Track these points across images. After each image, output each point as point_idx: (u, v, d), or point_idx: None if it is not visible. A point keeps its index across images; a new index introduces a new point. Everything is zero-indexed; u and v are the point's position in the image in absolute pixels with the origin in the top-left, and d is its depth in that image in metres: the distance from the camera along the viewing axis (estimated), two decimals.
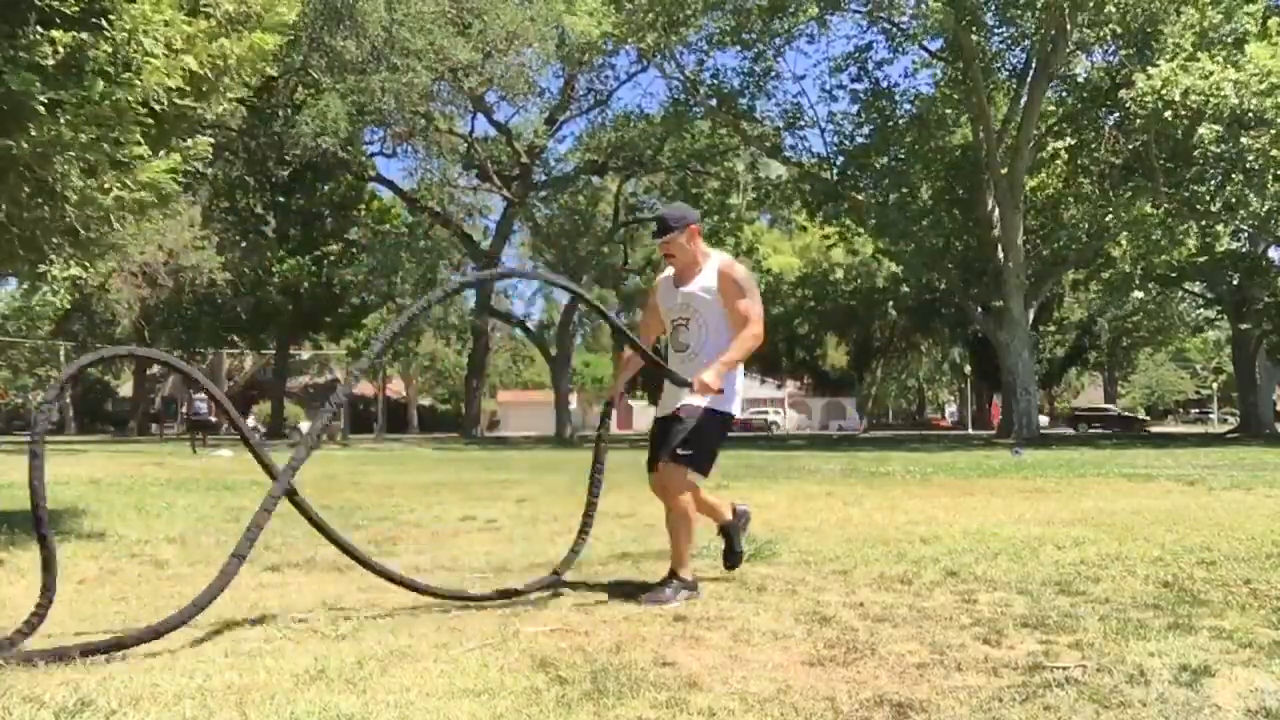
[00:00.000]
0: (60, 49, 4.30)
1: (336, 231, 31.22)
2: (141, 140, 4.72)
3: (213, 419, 25.09)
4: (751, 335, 3.61)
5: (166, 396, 46.81)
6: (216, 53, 4.97)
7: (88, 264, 6.05)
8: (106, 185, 4.74)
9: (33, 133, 4.32)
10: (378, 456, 17.97)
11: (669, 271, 3.86)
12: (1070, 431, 37.21)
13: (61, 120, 4.34)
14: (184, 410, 22.60)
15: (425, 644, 2.89)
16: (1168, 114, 20.08)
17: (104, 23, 4.43)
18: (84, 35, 4.37)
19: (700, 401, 3.58)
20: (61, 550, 4.90)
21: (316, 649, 2.82)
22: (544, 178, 32.38)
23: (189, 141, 5.38)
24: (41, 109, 4.27)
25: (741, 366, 3.73)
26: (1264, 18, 21.27)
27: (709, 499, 3.92)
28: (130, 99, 4.46)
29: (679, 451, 3.56)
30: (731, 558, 4.06)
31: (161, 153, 5.05)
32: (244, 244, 29.11)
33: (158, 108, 4.69)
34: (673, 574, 3.65)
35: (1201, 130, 20.02)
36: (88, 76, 4.38)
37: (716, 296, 3.66)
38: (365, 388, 48.16)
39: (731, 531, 4.02)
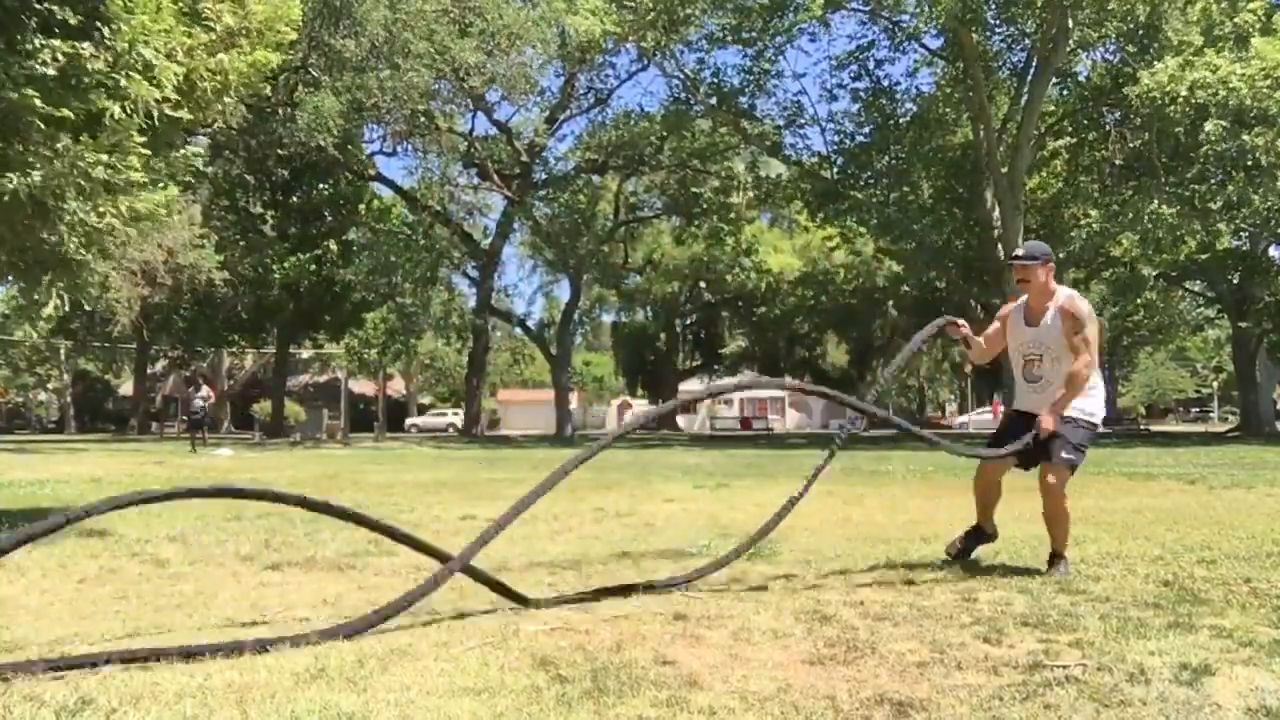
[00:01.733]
0: (60, 57, 4.28)
1: (336, 230, 31.21)
2: (138, 167, 4.71)
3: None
4: (1076, 373, 4.08)
5: (167, 395, 46.81)
6: (216, 68, 4.96)
7: (72, 291, 6.04)
8: (101, 209, 4.74)
9: (34, 164, 4.30)
10: (378, 455, 17.97)
11: (1020, 303, 4.34)
12: None
13: (64, 143, 4.33)
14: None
15: (425, 643, 2.89)
16: (1172, 109, 20.05)
17: (105, 31, 4.42)
18: (84, 46, 4.36)
19: (1084, 416, 4.14)
20: (61, 549, 4.91)
21: (317, 648, 2.82)
22: (544, 176, 32.37)
23: (182, 151, 5.37)
24: (41, 124, 4.26)
25: (1097, 374, 4.22)
26: (1267, 14, 21.23)
27: (993, 505, 4.46)
28: (128, 110, 4.44)
29: (1064, 455, 4.06)
30: (960, 550, 4.45)
31: (161, 169, 5.04)
32: (244, 243, 29.08)
33: (151, 120, 4.66)
34: (1056, 555, 4.14)
35: (1208, 127, 19.99)
36: (89, 89, 4.37)
37: (1060, 331, 4.13)
38: (366, 386, 48.17)
39: (977, 536, 4.47)
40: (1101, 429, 4.49)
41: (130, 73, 4.47)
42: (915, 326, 46.01)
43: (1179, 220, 22.02)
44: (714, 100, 27.56)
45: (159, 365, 45.78)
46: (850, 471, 11.37)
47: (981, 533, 4.48)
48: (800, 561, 4.45)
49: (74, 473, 11.24)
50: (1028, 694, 2.35)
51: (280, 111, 24.49)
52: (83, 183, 4.48)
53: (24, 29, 4.25)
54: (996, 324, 4.46)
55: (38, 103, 4.19)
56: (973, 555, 4.48)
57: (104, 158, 4.47)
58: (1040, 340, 4.21)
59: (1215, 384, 59.85)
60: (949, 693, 2.37)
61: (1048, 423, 4.05)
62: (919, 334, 4.62)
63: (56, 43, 4.27)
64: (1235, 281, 28.97)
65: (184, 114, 4.89)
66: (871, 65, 27.30)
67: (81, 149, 4.38)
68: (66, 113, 4.30)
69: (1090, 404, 4.17)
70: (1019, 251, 4.29)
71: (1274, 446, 17.95)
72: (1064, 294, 4.21)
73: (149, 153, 4.70)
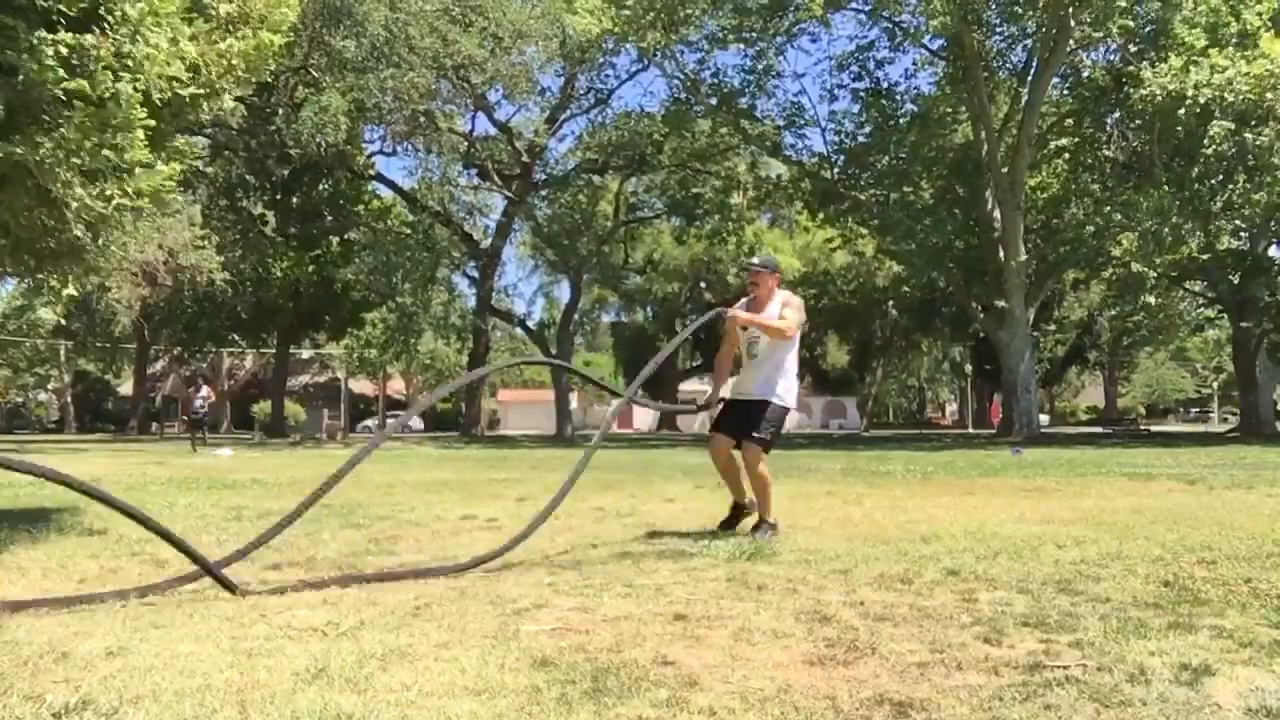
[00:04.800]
0: (63, 48, 4.27)
1: (336, 230, 31.24)
2: (145, 143, 4.69)
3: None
4: (778, 323, 5.16)
5: (167, 395, 46.82)
6: (221, 51, 4.95)
7: (82, 278, 6.03)
8: (108, 193, 4.71)
9: (42, 141, 4.28)
10: (378, 455, 17.96)
11: (744, 301, 5.36)
12: None
13: (72, 122, 4.30)
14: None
15: (425, 643, 2.89)
16: (1180, 111, 20.04)
17: (109, 19, 4.40)
18: (86, 37, 4.34)
19: (776, 401, 5.19)
20: (62, 549, 4.91)
21: (317, 648, 2.82)
22: (544, 176, 32.38)
23: (182, 140, 5.35)
24: (59, 99, 4.23)
25: (794, 378, 5.37)
26: (1271, 16, 21.19)
27: (739, 476, 5.30)
28: (133, 90, 4.42)
29: (755, 435, 5.10)
30: (727, 526, 5.40)
31: (160, 159, 5.02)
32: (244, 243, 29.11)
33: (158, 100, 4.65)
34: (762, 520, 5.18)
35: (1211, 129, 19.98)
36: (94, 68, 4.35)
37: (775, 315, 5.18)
38: (366, 387, 48.21)
39: (739, 514, 5.40)
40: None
41: (146, 51, 4.46)
42: (916, 326, 45.82)
43: (1180, 219, 22.02)
44: (714, 100, 27.56)
45: (159, 365, 45.80)
46: (850, 472, 11.38)
47: (740, 508, 5.37)
48: (800, 561, 4.45)
49: (74, 472, 11.21)
50: (1028, 694, 2.35)
51: (281, 111, 24.52)
52: (87, 164, 4.45)
53: (32, 25, 4.23)
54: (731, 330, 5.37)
55: (55, 75, 4.16)
56: (738, 528, 5.32)
57: (108, 137, 4.44)
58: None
59: (1215, 384, 59.87)
60: (949, 693, 2.37)
61: (736, 312, 5.20)
62: (689, 327, 5.96)
63: (60, 35, 4.25)
64: (1236, 282, 28.96)
65: (193, 89, 4.87)
66: (872, 65, 27.31)
67: (87, 128, 4.35)
68: (83, 83, 4.26)
69: (788, 387, 5.24)
70: (755, 261, 5.47)
71: (1274, 447, 17.95)
72: (784, 293, 5.33)
73: (154, 123, 4.66)
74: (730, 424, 5.30)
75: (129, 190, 4.78)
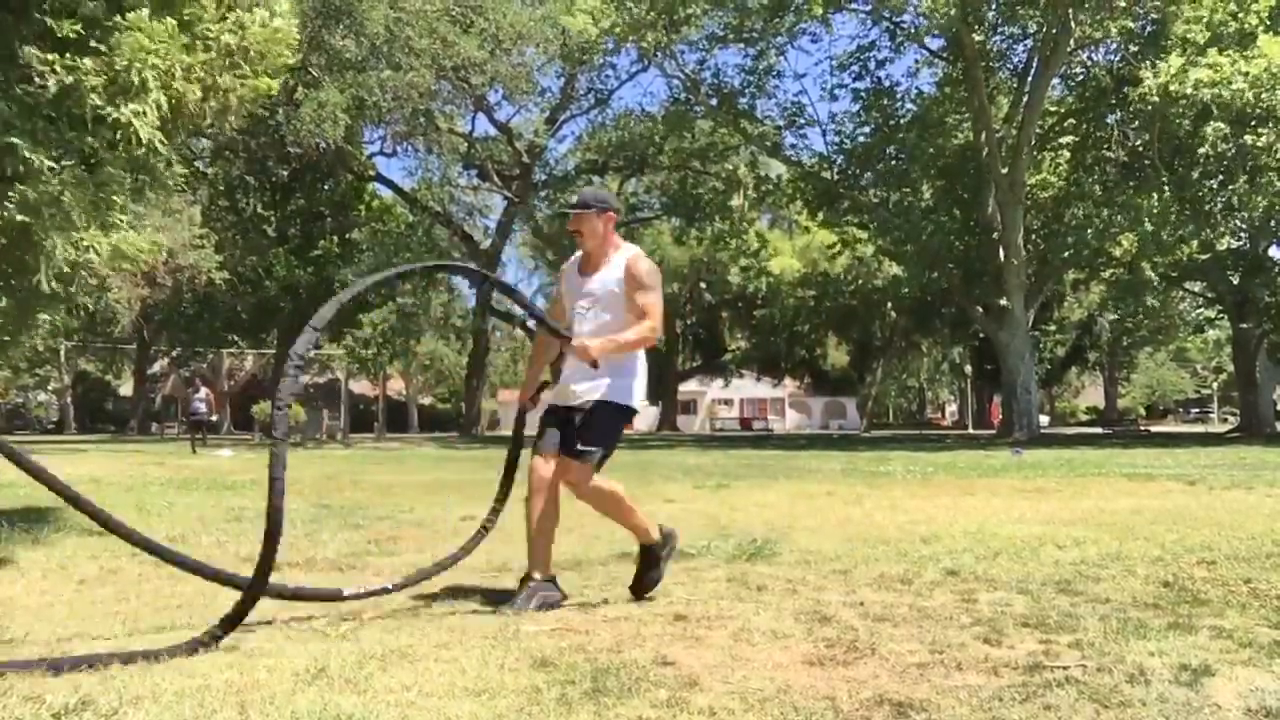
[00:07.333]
0: (59, 69, 4.18)
1: (336, 231, 31.27)
2: (124, 207, 4.62)
3: (212, 418, 25.07)
4: (649, 328, 3.48)
5: (167, 396, 46.81)
6: (214, 87, 4.87)
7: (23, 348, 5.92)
8: (85, 243, 4.62)
9: (30, 195, 4.21)
10: (378, 456, 17.97)
11: (575, 257, 3.72)
12: None
13: (55, 181, 4.22)
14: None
15: (426, 643, 2.89)
16: (1179, 105, 20.06)
17: (103, 48, 4.31)
18: (84, 60, 4.24)
19: (611, 400, 3.47)
20: (62, 549, 4.91)
21: (317, 648, 2.82)
22: (544, 177, 32.40)
23: (167, 172, 5.28)
24: (35, 160, 4.15)
25: (643, 368, 3.62)
26: (1271, 15, 21.22)
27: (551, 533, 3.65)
28: (118, 138, 4.33)
29: (580, 447, 3.44)
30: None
31: (146, 209, 4.99)
32: (244, 243, 29.14)
33: (140, 151, 4.56)
34: (646, 549, 3.64)
35: (1208, 130, 20.01)
36: (82, 111, 4.26)
37: (620, 289, 3.52)
38: (365, 387, 48.10)
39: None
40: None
41: (124, 101, 4.35)
42: (916, 326, 45.69)
43: (1180, 220, 22.02)
44: (714, 101, 27.57)
45: (159, 366, 45.79)
46: (850, 472, 11.38)
47: (529, 579, 3.54)
48: (800, 562, 4.45)
49: (74, 473, 11.21)
50: (1028, 695, 2.35)
51: (281, 111, 24.54)
52: (70, 214, 4.36)
53: (23, 38, 4.16)
54: (557, 291, 3.90)
55: (26, 151, 4.06)
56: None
57: (90, 190, 4.35)
58: (592, 290, 3.56)
59: (1215, 385, 59.89)
60: (949, 693, 2.37)
61: (585, 345, 3.40)
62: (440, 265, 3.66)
63: (54, 56, 4.16)
64: (1235, 282, 28.99)
65: (168, 152, 4.80)
66: (872, 65, 27.33)
67: (67, 180, 4.26)
68: (49, 162, 4.17)
69: (623, 386, 3.53)
70: (573, 199, 3.66)
71: (1274, 447, 17.95)
72: (631, 249, 3.63)
73: (135, 178, 4.61)
74: (550, 436, 3.57)
75: (104, 246, 4.69)
